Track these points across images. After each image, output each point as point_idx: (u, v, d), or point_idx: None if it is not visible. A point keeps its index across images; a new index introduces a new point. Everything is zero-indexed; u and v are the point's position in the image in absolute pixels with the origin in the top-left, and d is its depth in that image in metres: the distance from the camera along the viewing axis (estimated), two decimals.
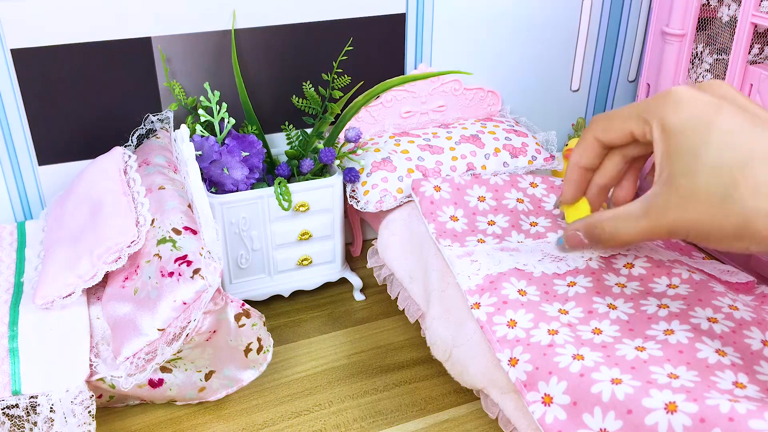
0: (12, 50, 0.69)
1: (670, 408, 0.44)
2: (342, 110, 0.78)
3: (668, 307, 0.56)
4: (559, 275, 0.61)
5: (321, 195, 0.74)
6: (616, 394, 0.47)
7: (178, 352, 0.57)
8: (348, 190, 0.76)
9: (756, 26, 0.76)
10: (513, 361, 0.52)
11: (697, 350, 0.51)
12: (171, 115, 0.75)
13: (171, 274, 0.55)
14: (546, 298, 0.58)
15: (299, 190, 0.72)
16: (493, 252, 0.64)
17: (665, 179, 0.46)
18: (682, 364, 0.49)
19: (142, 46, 0.73)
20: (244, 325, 0.59)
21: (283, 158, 0.80)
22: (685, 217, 0.46)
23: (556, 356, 0.51)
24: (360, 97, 0.75)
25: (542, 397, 0.50)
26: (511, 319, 0.55)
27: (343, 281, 0.82)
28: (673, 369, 0.49)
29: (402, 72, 0.85)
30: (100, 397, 0.62)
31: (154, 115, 0.75)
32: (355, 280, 0.80)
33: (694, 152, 0.45)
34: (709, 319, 0.54)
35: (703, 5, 0.83)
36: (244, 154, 0.72)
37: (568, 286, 0.60)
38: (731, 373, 0.48)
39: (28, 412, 0.54)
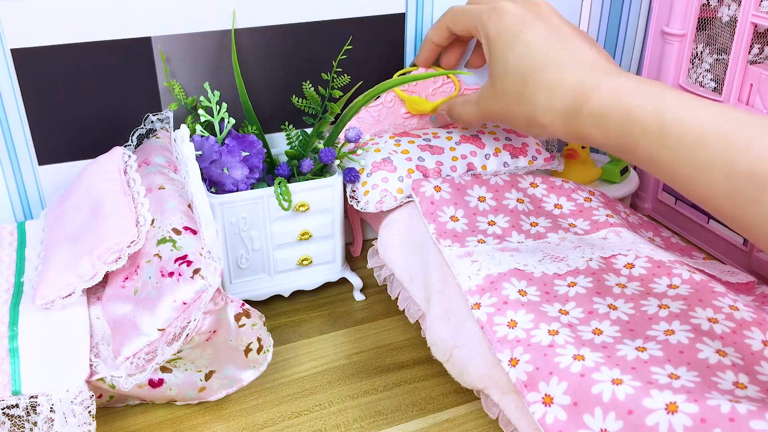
0: (12, 50, 0.69)
1: (671, 408, 0.44)
2: (342, 110, 0.78)
3: (669, 307, 0.56)
4: (560, 275, 0.61)
5: (321, 195, 0.74)
6: (616, 395, 0.47)
7: (178, 352, 0.57)
8: (348, 190, 0.76)
9: (756, 26, 0.76)
10: (513, 362, 0.52)
11: (697, 350, 0.51)
12: (171, 115, 0.75)
13: (171, 274, 0.55)
14: (546, 298, 0.58)
15: (299, 190, 0.72)
16: (494, 252, 0.64)
17: (489, 77, 0.60)
18: (682, 365, 0.49)
19: (142, 46, 0.73)
20: (244, 325, 0.59)
21: (283, 158, 0.80)
22: (499, 108, 0.60)
23: (557, 356, 0.51)
24: (360, 97, 0.75)
25: (543, 398, 0.50)
26: (511, 320, 0.55)
27: (343, 281, 0.82)
28: (674, 369, 0.49)
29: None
30: (100, 397, 0.62)
31: (154, 115, 0.75)
32: (355, 280, 0.80)
33: (504, 58, 0.58)
34: (709, 320, 0.54)
35: (703, 5, 0.83)
36: (244, 154, 0.72)
37: (569, 286, 0.60)
38: (732, 373, 0.49)
39: (28, 412, 0.54)
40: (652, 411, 0.45)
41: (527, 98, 0.56)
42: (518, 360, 0.52)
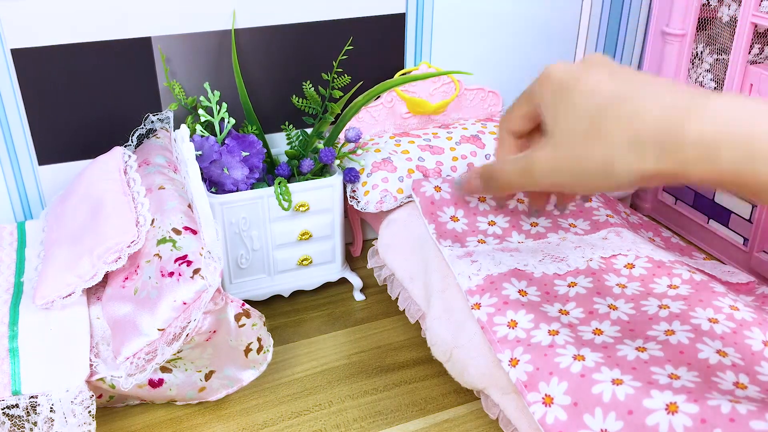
0: (12, 50, 0.69)
1: (671, 409, 0.44)
2: (342, 110, 0.78)
3: (669, 307, 0.56)
4: (560, 276, 0.61)
5: (321, 195, 0.74)
6: (617, 395, 0.47)
7: (178, 352, 0.57)
8: (348, 190, 0.76)
9: (756, 26, 0.76)
10: (513, 362, 0.52)
11: (697, 351, 0.51)
12: (171, 115, 0.75)
13: (171, 274, 0.55)
14: (546, 298, 0.58)
15: (299, 190, 0.72)
16: (494, 252, 0.64)
17: (546, 134, 0.49)
18: (682, 365, 0.49)
19: (142, 46, 0.73)
20: (244, 325, 0.59)
21: (283, 158, 0.80)
22: (557, 158, 0.48)
23: (557, 357, 0.51)
24: (360, 97, 0.75)
25: (543, 398, 0.50)
26: (511, 320, 0.55)
27: (343, 281, 0.82)
28: (674, 369, 0.49)
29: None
30: (100, 397, 0.62)
31: (154, 115, 0.75)
32: (355, 280, 0.80)
33: (565, 106, 0.48)
34: (709, 320, 0.54)
35: (703, 5, 0.83)
36: (244, 154, 0.72)
37: (569, 286, 0.60)
38: (732, 373, 0.48)
39: (28, 412, 0.54)
40: (653, 411, 0.45)
41: (599, 137, 0.45)
42: (518, 360, 0.52)
